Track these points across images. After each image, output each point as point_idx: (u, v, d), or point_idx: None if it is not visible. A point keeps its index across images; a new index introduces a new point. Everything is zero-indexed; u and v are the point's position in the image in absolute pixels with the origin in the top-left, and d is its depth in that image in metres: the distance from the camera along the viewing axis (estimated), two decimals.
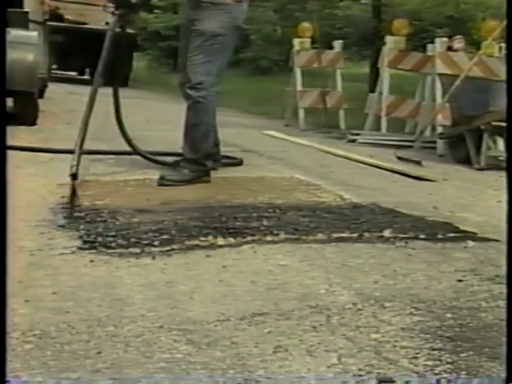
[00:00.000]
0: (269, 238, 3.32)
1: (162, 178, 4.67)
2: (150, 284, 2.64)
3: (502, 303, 2.50)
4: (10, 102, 7.34)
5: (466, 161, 6.40)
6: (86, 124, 4.59)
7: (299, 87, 9.79)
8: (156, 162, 5.34)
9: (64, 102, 10.91)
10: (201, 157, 4.89)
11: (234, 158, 5.72)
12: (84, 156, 5.65)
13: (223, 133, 5.91)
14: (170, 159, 5.43)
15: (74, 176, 4.12)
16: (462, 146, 6.54)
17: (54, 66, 15.66)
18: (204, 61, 4.84)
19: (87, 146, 6.16)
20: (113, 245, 3.11)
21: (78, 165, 4.25)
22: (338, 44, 10.13)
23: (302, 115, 9.64)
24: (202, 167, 4.88)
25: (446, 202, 4.52)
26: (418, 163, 6.25)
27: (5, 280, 2.06)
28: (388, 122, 8.68)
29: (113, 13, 4.96)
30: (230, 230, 3.38)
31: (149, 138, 6.47)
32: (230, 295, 2.54)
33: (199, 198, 4.22)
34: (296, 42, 9.92)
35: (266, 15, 19.57)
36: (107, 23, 19.28)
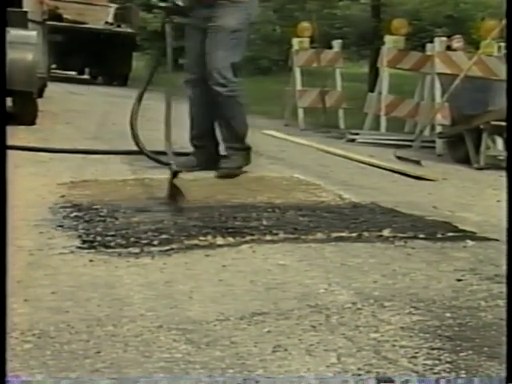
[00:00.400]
0: (268, 237, 3.32)
1: (219, 169, 5.02)
2: (149, 284, 2.64)
3: (502, 302, 2.51)
4: (9, 101, 7.34)
5: (466, 160, 6.40)
6: (168, 123, 4.65)
7: (298, 87, 9.79)
8: (160, 162, 5.35)
9: (63, 102, 10.91)
10: (245, 143, 5.25)
11: None
12: (83, 156, 5.67)
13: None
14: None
15: (175, 174, 4.19)
16: (461, 145, 6.54)
17: (54, 66, 15.66)
18: (225, 55, 5.04)
19: (87, 145, 6.18)
20: (112, 244, 3.11)
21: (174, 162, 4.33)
22: (337, 44, 10.13)
23: (302, 115, 9.64)
24: (248, 151, 5.24)
25: (446, 201, 4.52)
26: (418, 163, 6.25)
27: (5, 279, 2.06)
28: (387, 121, 8.68)
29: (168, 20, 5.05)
30: (230, 230, 3.38)
31: (149, 138, 6.47)
32: (230, 295, 2.54)
33: (199, 197, 4.22)
34: (295, 41, 9.92)
35: (266, 15, 19.57)
36: (106, 23, 19.21)
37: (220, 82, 5.04)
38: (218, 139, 5.39)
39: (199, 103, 5.22)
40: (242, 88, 5.22)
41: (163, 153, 5.71)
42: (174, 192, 4.03)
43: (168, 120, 4.62)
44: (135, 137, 5.18)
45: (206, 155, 5.31)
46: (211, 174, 5.14)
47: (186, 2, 5.06)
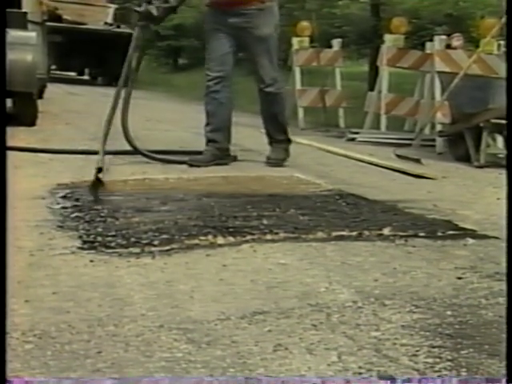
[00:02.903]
0: (268, 236, 3.32)
1: (269, 158, 5.69)
2: (150, 283, 2.64)
3: (502, 300, 2.51)
4: (9, 102, 7.34)
5: (466, 158, 6.40)
6: (109, 123, 4.87)
7: (298, 86, 9.80)
8: (158, 159, 5.47)
9: (63, 103, 10.93)
10: (288, 136, 5.87)
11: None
12: (82, 156, 5.68)
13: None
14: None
15: (99, 169, 4.31)
16: (461, 143, 6.54)
17: (53, 67, 15.67)
18: (269, 60, 5.67)
19: (87, 146, 6.18)
20: (112, 244, 3.11)
21: (102, 160, 4.46)
22: (336, 43, 10.14)
23: (302, 114, 9.65)
24: (289, 144, 5.85)
25: (446, 199, 4.52)
26: (418, 161, 6.25)
27: (5, 280, 2.06)
28: (387, 120, 8.69)
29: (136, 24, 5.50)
30: (230, 229, 3.38)
31: (148, 138, 6.48)
32: (230, 294, 2.55)
33: (199, 197, 4.22)
34: (295, 40, 9.93)
35: None
36: (106, 23, 19.31)
37: (270, 83, 5.67)
38: (231, 137, 5.79)
39: (221, 99, 5.69)
40: (284, 85, 5.94)
41: (164, 152, 5.78)
42: (96, 184, 4.19)
43: (110, 119, 4.85)
44: (130, 141, 5.47)
45: (217, 149, 5.69)
46: (211, 173, 5.15)
47: (160, 11, 5.47)
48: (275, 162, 5.66)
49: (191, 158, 5.59)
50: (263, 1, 5.62)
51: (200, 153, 5.70)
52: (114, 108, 4.93)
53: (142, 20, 5.43)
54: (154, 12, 5.41)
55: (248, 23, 5.59)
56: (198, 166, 5.44)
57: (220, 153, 5.68)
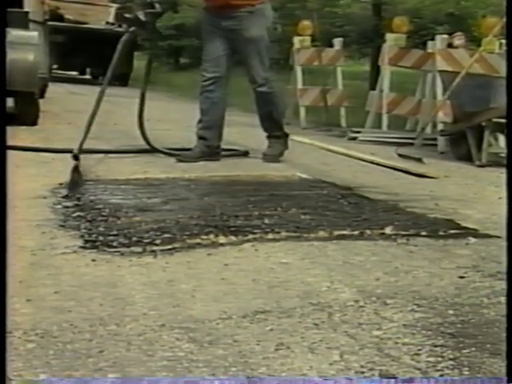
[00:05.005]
0: (270, 235, 3.32)
1: (265, 154, 5.85)
2: (151, 283, 2.64)
3: (504, 299, 2.50)
4: (10, 102, 7.34)
5: (468, 158, 6.40)
6: (92, 118, 5.21)
7: (300, 85, 9.79)
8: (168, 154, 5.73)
9: (65, 102, 10.92)
10: (284, 131, 6.04)
11: (238, 150, 6.15)
12: (84, 155, 5.68)
13: (225, 132, 5.94)
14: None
15: (75, 157, 4.71)
16: (463, 142, 6.53)
17: (55, 66, 15.66)
18: (261, 60, 5.80)
19: (89, 145, 6.18)
20: (114, 244, 3.11)
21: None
22: (338, 42, 10.13)
23: (303, 113, 9.65)
24: (286, 138, 6.04)
25: (448, 198, 4.52)
26: (419, 160, 6.24)
27: (5, 279, 2.06)
28: (389, 119, 8.68)
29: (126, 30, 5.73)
30: (232, 229, 3.38)
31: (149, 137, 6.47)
32: (232, 293, 2.55)
33: (201, 196, 4.22)
34: (296, 40, 9.91)
35: None
36: (107, 23, 19.26)
37: (262, 83, 5.81)
38: (222, 135, 5.90)
39: (214, 98, 5.83)
40: (276, 83, 6.12)
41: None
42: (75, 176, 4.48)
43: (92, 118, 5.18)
44: (147, 140, 5.74)
45: (206, 146, 5.82)
46: (210, 173, 5.15)
47: (148, 17, 5.63)
48: (270, 157, 5.82)
49: (181, 154, 5.75)
50: (253, 4, 5.75)
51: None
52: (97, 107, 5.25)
53: (131, 26, 5.62)
54: (142, 17, 5.58)
55: (239, 25, 5.72)
56: (187, 162, 5.58)
57: (209, 150, 5.82)
